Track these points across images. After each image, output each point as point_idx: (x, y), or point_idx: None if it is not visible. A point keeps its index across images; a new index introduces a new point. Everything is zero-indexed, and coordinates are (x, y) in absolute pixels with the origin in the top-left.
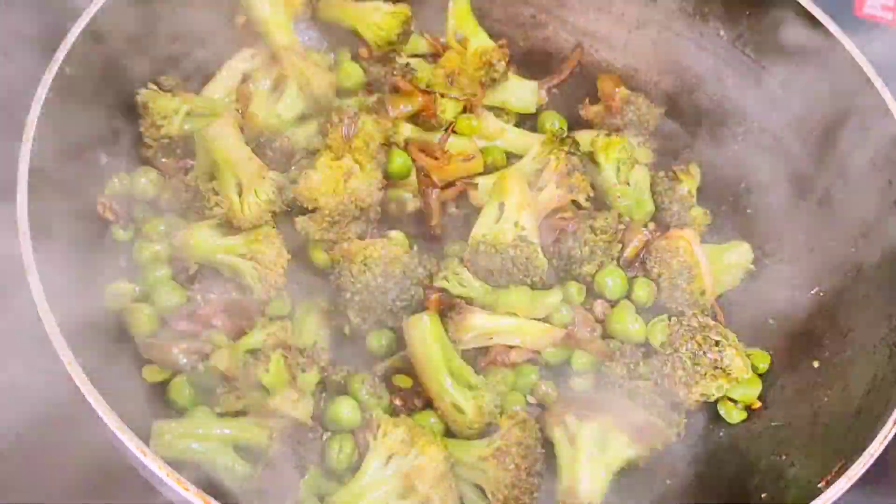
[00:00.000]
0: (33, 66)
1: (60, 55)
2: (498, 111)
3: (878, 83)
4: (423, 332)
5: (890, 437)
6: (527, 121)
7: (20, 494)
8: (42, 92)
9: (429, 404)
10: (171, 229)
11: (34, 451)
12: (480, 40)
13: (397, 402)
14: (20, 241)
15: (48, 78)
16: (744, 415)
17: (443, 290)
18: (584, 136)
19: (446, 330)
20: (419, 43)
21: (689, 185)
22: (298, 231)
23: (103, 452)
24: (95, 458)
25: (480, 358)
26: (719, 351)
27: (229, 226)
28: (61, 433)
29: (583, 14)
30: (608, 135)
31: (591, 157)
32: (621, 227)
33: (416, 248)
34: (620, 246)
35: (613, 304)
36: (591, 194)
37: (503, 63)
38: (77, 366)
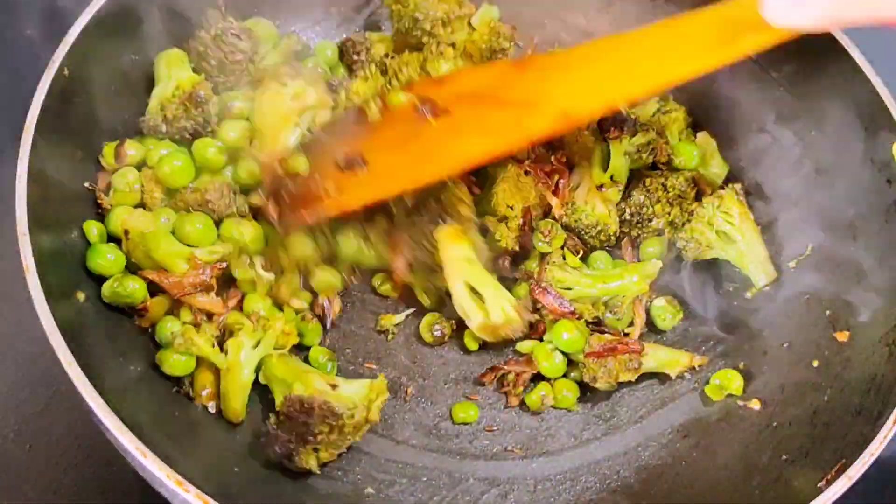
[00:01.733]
0: (33, 67)
1: (60, 55)
2: None
3: (878, 82)
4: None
5: (890, 437)
6: None
7: (19, 495)
8: (41, 93)
9: None
10: None
11: (33, 452)
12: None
13: None
14: (20, 241)
15: (47, 79)
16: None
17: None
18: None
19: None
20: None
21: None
22: None
23: (103, 453)
24: (95, 459)
25: None
26: None
27: None
28: (60, 434)
29: (582, 14)
30: (665, 112)
31: (659, 133)
32: (692, 187)
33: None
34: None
35: None
36: (670, 156)
37: (510, 41)
38: (76, 367)
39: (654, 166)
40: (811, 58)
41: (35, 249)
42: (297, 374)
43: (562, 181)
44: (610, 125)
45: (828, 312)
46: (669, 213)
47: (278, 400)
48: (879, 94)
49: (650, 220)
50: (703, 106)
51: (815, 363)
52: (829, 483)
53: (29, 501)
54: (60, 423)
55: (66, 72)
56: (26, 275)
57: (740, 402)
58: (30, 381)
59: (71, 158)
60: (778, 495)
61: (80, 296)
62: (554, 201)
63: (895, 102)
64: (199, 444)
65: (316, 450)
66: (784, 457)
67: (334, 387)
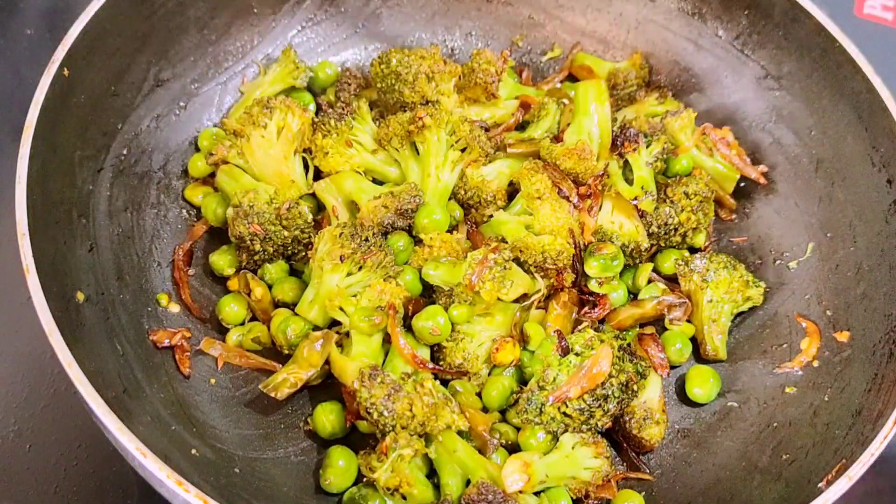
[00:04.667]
0: (33, 67)
1: (60, 55)
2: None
3: (878, 83)
4: None
5: (890, 437)
6: None
7: (19, 495)
8: (41, 93)
9: None
10: None
11: (33, 452)
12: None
13: None
14: (20, 242)
15: (47, 79)
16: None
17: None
18: (631, 111)
19: None
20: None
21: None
22: None
23: (103, 453)
24: (95, 459)
25: None
26: None
27: None
28: (60, 434)
29: (581, 14)
30: (674, 114)
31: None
32: (711, 191)
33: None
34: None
35: None
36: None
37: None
38: (76, 367)
39: (664, 173)
40: (811, 58)
41: (35, 250)
42: (479, 462)
43: (594, 203)
44: (622, 140)
45: (828, 312)
46: (692, 220)
47: (451, 481)
48: (879, 94)
49: (676, 230)
50: (703, 106)
51: (816, 363)
52: (829, 483)
53: (29, 501)
54: (60, 423)
55: (66, 72)
56: (26, 275)
57: (738, 404)
58: (30, 381)
59: (71, 158)
60: (778, 495)
61: (80, 296)
62: (591, 223)
63: (895, 102)
64: (199, 443)
65: None
66: (784, 457)
67: None
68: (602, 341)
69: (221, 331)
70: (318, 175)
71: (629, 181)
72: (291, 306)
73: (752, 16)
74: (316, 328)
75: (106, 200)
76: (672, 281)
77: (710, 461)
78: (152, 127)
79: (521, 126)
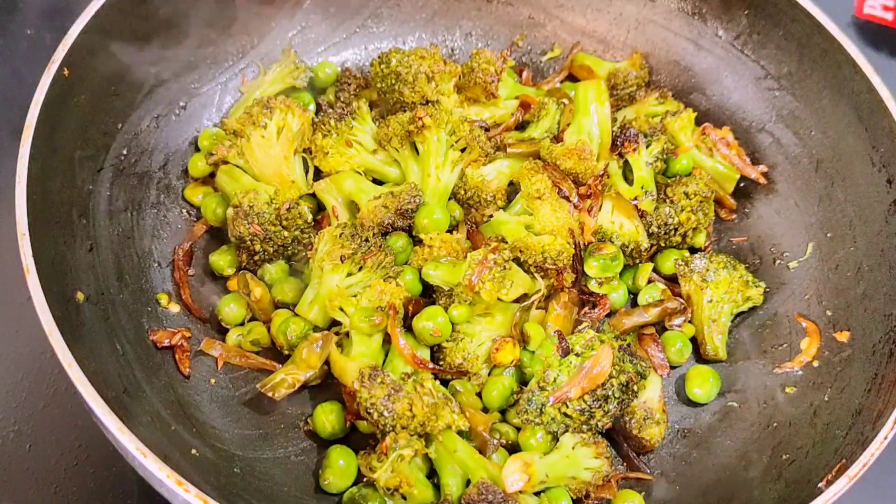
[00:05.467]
0: (33, 67)
1: (60, 55)
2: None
3: (878, 83)
4: None
5: (890, 437)
6: None
7: (19, 495)
8: (41, 93)
9: None
10: None
11: (33, 452)
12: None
13: None
14: (20, 242)
15: (47, 79)
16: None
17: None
18: (631, 111)
19: None
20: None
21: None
22: None
23: (103, 453)
24: (95, 459)
25: None
26: None
27: None
28: (60, 434)
29: (581, 14)
30: (674, 114)
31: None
32: (711, 191)
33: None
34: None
35: None
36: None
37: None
38: (76, 367)
39: (664, 173)
40: (811, 58)
41: (35, 250)
42: (480, 462)
43: (594, 203)
44: (622, 140)
45: (828, 312)
46: (692, 220)
47: (451, 481)
48: (879, 94)
49: (676, 230)
50: (703, 106)
51: (816, 363)
52: (829, 483)
53: (29, 501)
54: (60, 423)
55: (66, 72)
56: (26, 275)
57: (738, 404)
58: (30, 381)
59: (71, 158)
60: (778, 495)
61: (80, 296)
62: (591, 223)
63: (895, 102)
64: (199, 443)
65: None
66: (784, 457)
67: None
68: (602, 342)
69: (221, 331)
70: (318, 175)
71: (629, 181)
72: (291, 307)
73: (752, 16)
74: (316, 329)
75: (106, 200)
76: (672, 281)
77: (710, 461)
78: (152, 127)
79: (521, 126)
